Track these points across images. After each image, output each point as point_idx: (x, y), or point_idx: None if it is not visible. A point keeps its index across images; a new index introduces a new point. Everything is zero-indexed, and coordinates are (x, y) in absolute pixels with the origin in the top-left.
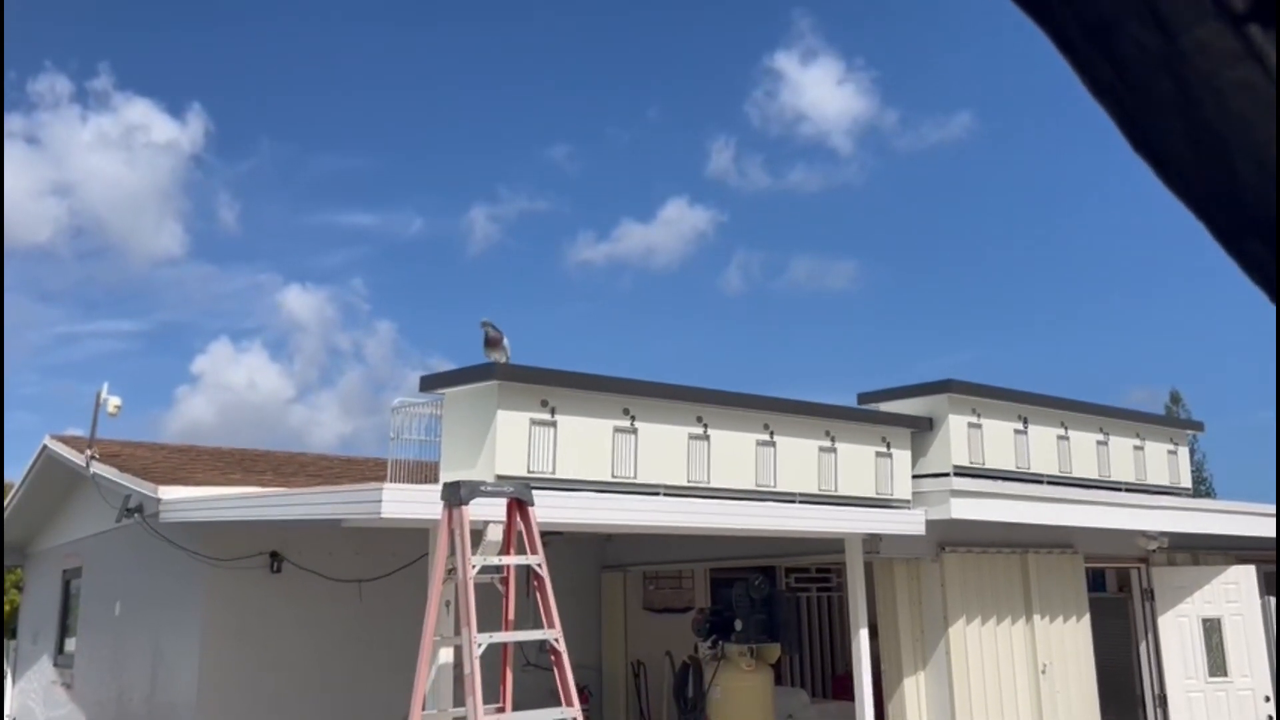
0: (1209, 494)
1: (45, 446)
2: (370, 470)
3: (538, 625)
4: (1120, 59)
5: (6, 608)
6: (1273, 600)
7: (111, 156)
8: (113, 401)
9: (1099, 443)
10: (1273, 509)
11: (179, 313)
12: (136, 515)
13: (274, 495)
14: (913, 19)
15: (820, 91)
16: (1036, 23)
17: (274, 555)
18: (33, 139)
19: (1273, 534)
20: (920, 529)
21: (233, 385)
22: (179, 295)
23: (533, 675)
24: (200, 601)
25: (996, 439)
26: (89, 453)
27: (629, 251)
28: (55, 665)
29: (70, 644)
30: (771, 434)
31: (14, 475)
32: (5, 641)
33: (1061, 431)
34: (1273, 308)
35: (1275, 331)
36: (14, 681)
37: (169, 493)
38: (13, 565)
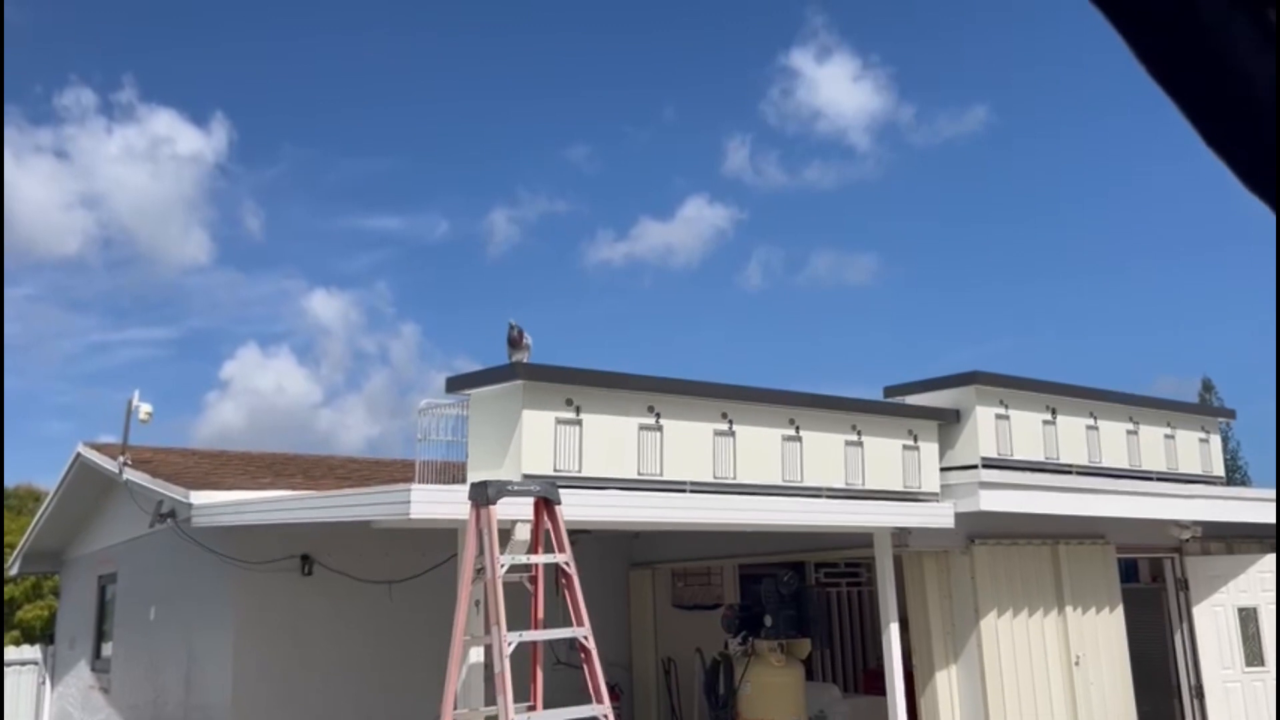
0: (1243, 482)
1: (79, 454)
2: (398, 472)
3: (567, 623)
4: (1172, 52)
5: (44, 614)
6: None
7: (137, 168)
8: (144, 408)
9: (1129, 432)
10: None
11: (207, 319)
12: (169, 520)
13: (304, 498)
14: (927, 14)
15: (836, 88)
16: (1100, 10)
17: (305, 558)
18: (61, 152)
19: None
20: (949, 522)
21: (261, 390)
22: (207, 302)
23: (563, 673)
24: (233, 604)
25: (1025, 430)
26: (122, 459)
27: (649, 250)
28: (92, 670)
29: (107, 649)
30: (797, 429)
31: (49, 483)
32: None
33: (1091, 421)
34: None
35: (1275, 326)
36: (52, 687)
37: (200, 498)
38: (49, 571)
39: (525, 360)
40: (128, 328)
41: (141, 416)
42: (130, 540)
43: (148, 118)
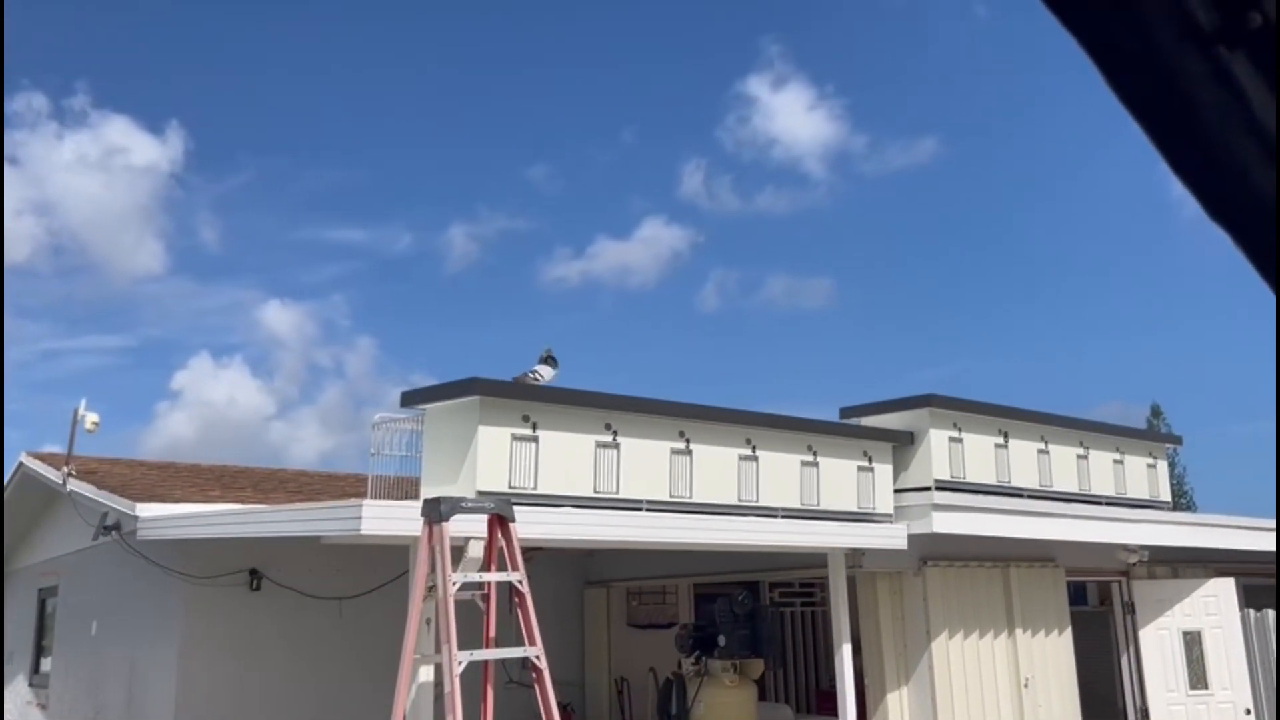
0: (1189, 507)
1: (21, 463)
2: (351, 486)
3: (519, 642)
4: (1137, 84)
5: None
6: (1252, 613)
7: (89, 176)
8: (90, 418)
9: (1079, 457)
10: (1251, 522)
11: (160, 329)
12: (114, 533)
13: (253, 512)
14: (880, 48)
15: (791, 117)
16: (1085, 51)
17: (253, 573)
18: (10, 158)
19: (1251, 547)
20: (902, 543)
21: (213, 401)
22: (159, 312)
23: (515, 693)
24: (178, 620)
25: (977, 453)
26: (66, 470)
27: (606, 269)
28: (30, 685)
29: (46, 664)
30: (754, 448)
31: None
32: None
33: (1042, 445)
34: (1250, 325)
35: (1276, 339)
36: None
37: (147, 510)
38: None
39: (539, 381)
40: (79, 336)
41: (88, 426)
42: (74, 553)
43: (101, 124)
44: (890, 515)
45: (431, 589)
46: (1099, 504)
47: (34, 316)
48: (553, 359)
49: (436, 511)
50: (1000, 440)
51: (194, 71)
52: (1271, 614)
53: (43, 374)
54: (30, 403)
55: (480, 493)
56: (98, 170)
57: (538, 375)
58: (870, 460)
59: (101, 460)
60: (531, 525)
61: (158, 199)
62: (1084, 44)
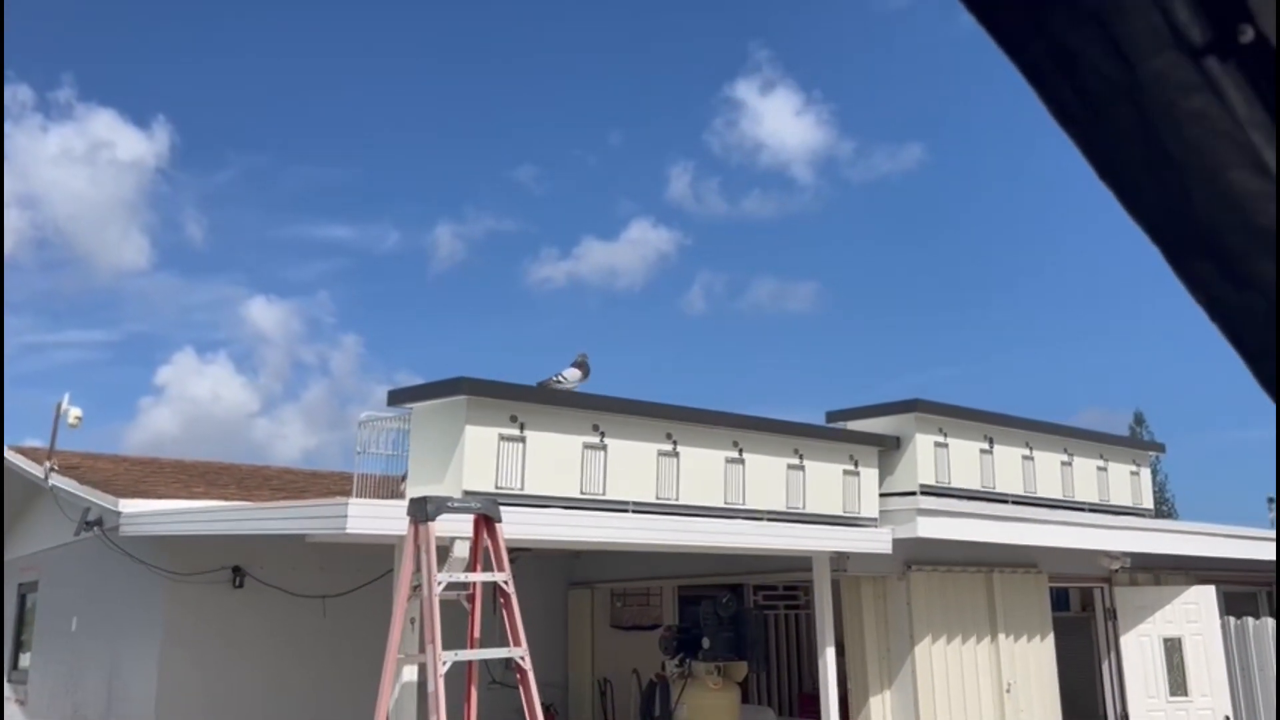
0: (1171, 515)
1: (2, 457)
2: (335, 484)
3: (504, 643)
4: (1084, 89)
5: None
6: (1233, 620)
7: (75, 170)
8: (73, 412)
9: (1063, 463)
10: (1232, 530)
11: (144, 324)
12: (96, 528)
13: (237, 509)
14: (866, 55)
15: (778, 122)
16: (1008, 54)
17: (236, 570)
18: None
19: (1231, 555)
20: (887, 547)
21: (197, 397)
22: (144, 307)
23: (498, 693)
24: (160, 616)
25: (963, 458)
26: (48, 464)
27: (593, 270)
28: (9, 681)
29: (25, 660)
30: (741, 451)
31: None
32: None
33: (1026, 452)
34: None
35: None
36: None
37: (130, 506)
38: None
39: (563, 385)
40: (62, 330)
41: (71, 420)
42: (54, 548)
43: (86, 117)
44: (875, 519)
45: (416, 588)
46: (1082, 510)
47: (17, 310)
48: (585, 365)
49: (422, 511)
50: (985, 446)
51: (181, 65)
52: (1252, 621)
53: (25, 368)
54: (12, 397)
55: (466, 492)
56: (83, 164)
57: (562, 379)
58: (856, 464)
59: (84, 455)
60: (517, 526)
61: (143, 193)
62: (1031, 55)
